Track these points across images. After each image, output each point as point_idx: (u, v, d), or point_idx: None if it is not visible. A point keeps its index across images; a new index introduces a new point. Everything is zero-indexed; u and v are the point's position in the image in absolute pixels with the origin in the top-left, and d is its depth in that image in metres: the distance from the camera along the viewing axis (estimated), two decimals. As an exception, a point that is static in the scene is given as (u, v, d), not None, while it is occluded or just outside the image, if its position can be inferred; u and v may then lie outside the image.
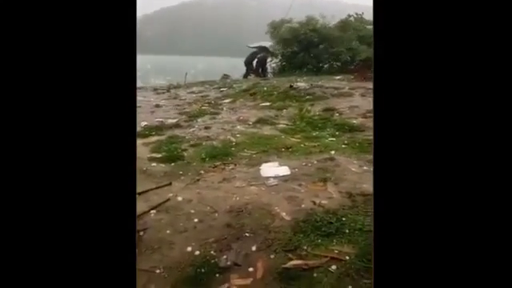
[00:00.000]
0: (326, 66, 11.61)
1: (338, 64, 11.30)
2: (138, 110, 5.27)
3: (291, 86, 6.39)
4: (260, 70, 11.52)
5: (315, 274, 1.52)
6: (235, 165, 2.95)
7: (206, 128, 4.28)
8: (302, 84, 6.63)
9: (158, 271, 1.59)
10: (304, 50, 11.18)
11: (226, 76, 11.96)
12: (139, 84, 9.48)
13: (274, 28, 12.04)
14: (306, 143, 3.50)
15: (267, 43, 11.94)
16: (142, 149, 3.42)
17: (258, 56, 11.57)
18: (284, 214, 2.04)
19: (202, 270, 1.57)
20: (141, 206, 2.17)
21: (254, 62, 11.70)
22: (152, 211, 2.12)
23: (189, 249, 1.74)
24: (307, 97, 5.77)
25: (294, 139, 3.69)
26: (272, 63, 12.21)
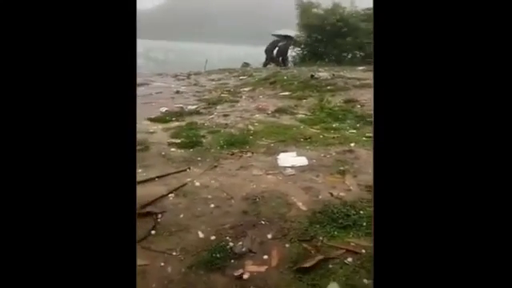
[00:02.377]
0: (349, 56, 11.29)
1: (362, 54, 10.97)
2: (159, 95, 5.33)
3: (312, 76, 6.27)
4: (280, 59, 11.33)
5: (330, 266, 1.51)
6: (253, 153, 2.95)
7: (225, 115, 4.28)
8: (323, 74, 6.48)
9: (174, 253, 1.62)
10: (328, 38, 10.90)
11: (245, 64, 11.87)
12: (160, 71, 9.57)
13: (302, 10, 11.69)
14: (326, 134, 3.45)
15: (292, 32, 11.68)
16: (162, 134, 3.47)
17: (279, 44, 11.36)
18: (300, 204, 2.02)
19: (218, 255, 1.59)
20: (160, 189, 2.21)
21: (275, 51, 11.52)
22: (170, 195, 2.16)
23: (205, 233, 1.77)
24: (328, 87, 5.64)
25: (313, 130, 3.64)
26: (293, 51, 11.97)
